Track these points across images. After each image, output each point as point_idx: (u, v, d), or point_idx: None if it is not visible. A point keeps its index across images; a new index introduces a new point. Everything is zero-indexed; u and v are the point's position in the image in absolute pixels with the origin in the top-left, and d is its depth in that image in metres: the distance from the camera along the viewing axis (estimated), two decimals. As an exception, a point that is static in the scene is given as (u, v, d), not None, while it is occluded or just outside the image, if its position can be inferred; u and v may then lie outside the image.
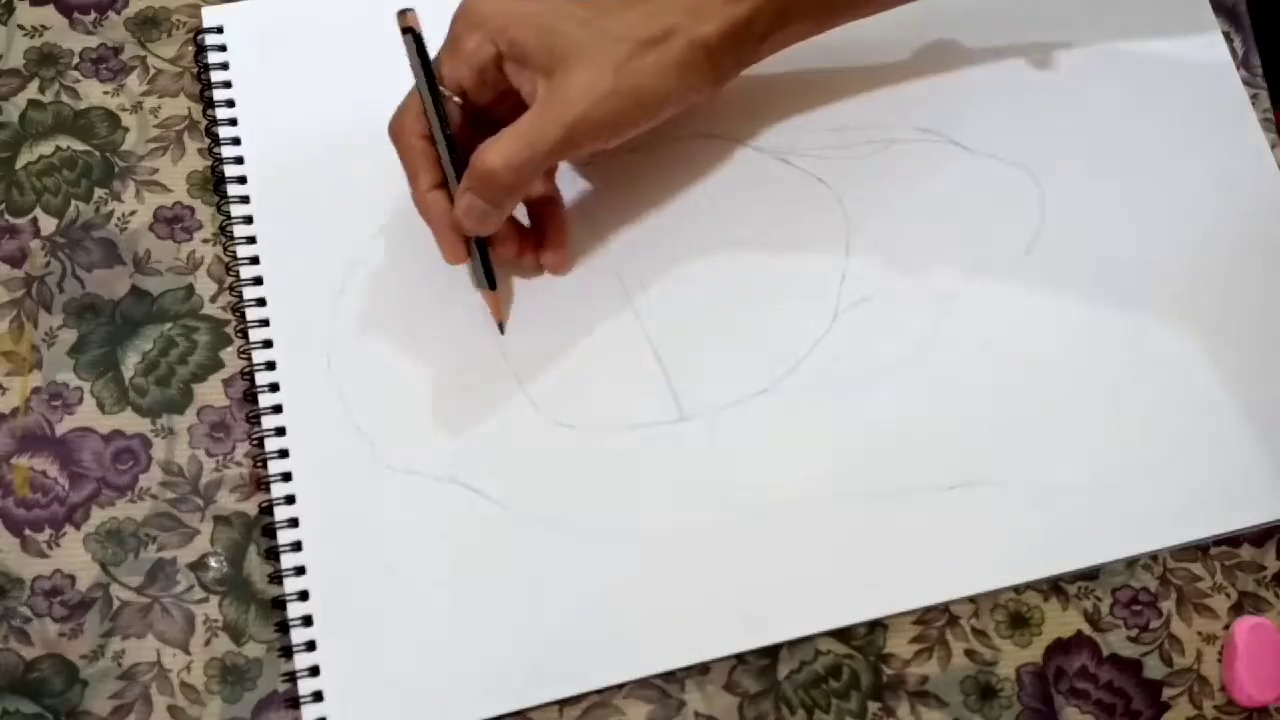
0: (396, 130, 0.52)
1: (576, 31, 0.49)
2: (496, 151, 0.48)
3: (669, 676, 0.50)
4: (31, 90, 0.58)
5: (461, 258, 0.52)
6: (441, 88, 0.50)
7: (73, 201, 0.56)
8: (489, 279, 0.52)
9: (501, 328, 0.54)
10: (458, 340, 0.54)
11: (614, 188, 0.56)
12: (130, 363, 0.54)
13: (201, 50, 0.58)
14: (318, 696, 0.49)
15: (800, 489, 0.52)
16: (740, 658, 0.50)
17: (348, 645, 0.50)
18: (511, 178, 0.49)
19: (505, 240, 0.53)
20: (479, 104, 0.51)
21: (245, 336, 0.54)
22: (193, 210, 0.56)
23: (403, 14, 0.51)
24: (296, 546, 0.51)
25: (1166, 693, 0.50)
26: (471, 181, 0.49)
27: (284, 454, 0.52)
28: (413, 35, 0.50)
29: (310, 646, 0.50)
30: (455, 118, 0.51)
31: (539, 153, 0.48)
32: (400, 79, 0.51)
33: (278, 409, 0.53)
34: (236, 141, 0.57)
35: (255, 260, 0.55)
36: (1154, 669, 0.51)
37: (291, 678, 0.49)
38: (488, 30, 0.49)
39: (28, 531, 0.52)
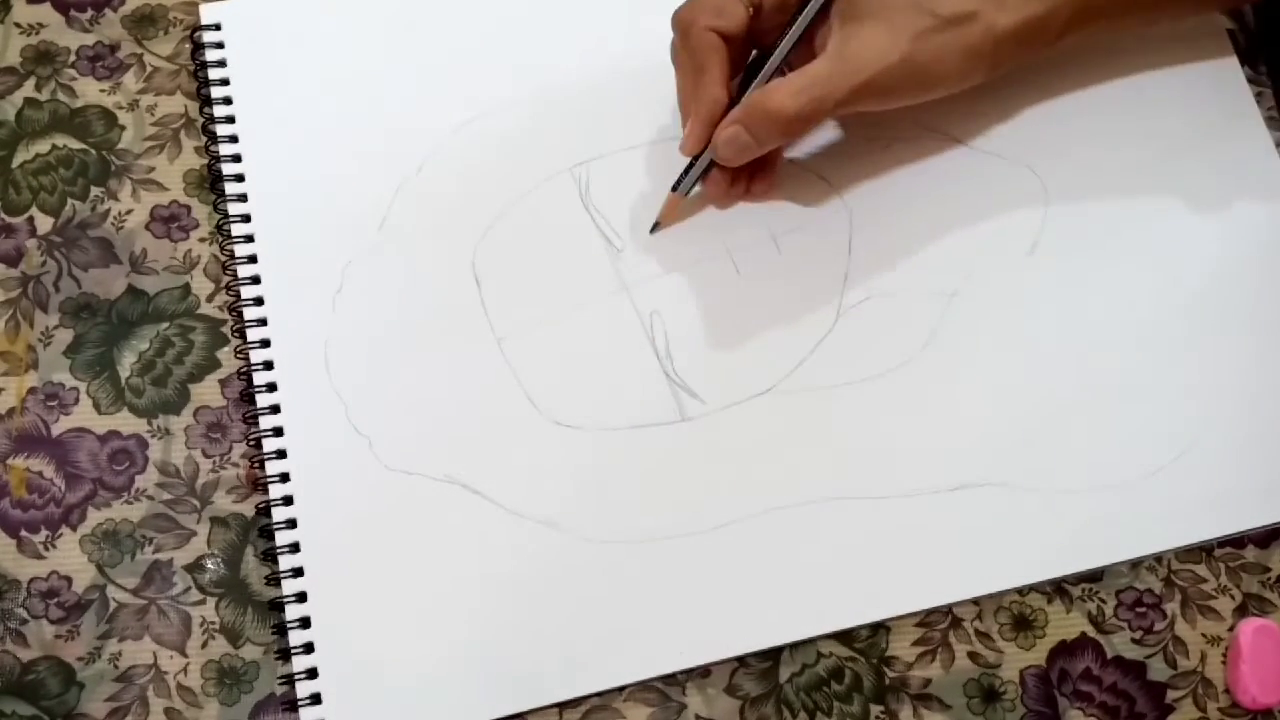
0: (684, 19, 0.51)
1: None
2: (786, 96, 0.49)
3: (669, 679, 0.50)
4: (28, 88, 0.58)
5: (695, 152, 0.52)
6: None
7: (69, 200, 0.56)
8: (688, 187, 0.54)
9: (655, 227, 0.55)
10: (457, 339, 0.54)
11: (614, 186, 0.56)
12: (126, 363, 0.54)
13: (199, 48, 0.58)
14: (315, 699, 0.49)
15: (802, 490, 0.51)
16: (741, 660, 0.50)
17: (346, 647, 0.49)
18: (791, 125, 0.49)
19: (724, 172, 0.53)
20: (760, 23, 0.51)
21: (242, 336, 0.54)
22: (189, 209, 0.56)
23: None
24: (294, 548, 0.51)
25: (1170, 695, 0.50)
26: (747, 117, 0.50)
27: (282, 454, 0.52)
28: None
29: (308, 649, 0.49)
30: (740, 21, 0.50)
31: (824, 107, 0.49)
32: (399, 78, 0.50)
33: (275, 409, 0.52)
34: (234, 139, 0.56)
35: (253, 259, 0.55)
36: (1158, 671, 0.50)
37: (289, 680, 0.49)
38: None
39: (24, 533, 0.51)
